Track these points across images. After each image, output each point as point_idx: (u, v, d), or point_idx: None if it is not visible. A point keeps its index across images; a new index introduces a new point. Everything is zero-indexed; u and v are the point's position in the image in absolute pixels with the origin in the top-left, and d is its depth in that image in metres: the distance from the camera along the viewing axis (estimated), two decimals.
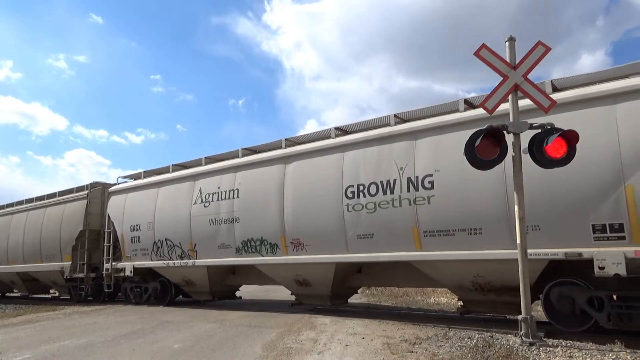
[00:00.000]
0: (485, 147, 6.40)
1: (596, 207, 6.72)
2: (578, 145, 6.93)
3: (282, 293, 13.79)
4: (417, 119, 8.98)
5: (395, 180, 8.58)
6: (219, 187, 11.52)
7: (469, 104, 8.48)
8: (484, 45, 6.77)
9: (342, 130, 10.09)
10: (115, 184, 15.24)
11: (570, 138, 6.21)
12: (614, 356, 5.47)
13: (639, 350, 5.62)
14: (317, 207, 9.60)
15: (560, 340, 6.39)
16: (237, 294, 13.76)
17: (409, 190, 8.38)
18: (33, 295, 19.67)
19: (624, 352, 5.59)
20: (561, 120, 7.16)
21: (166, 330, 8.67)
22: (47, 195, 17.57)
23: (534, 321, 6.33)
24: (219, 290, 12.78)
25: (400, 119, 9.22)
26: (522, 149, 6.57)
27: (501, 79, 6.70)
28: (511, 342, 6.29)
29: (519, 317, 6.42)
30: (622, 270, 6.49)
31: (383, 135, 9.04)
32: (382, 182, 8.75)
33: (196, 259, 11.86)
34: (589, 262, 6.71)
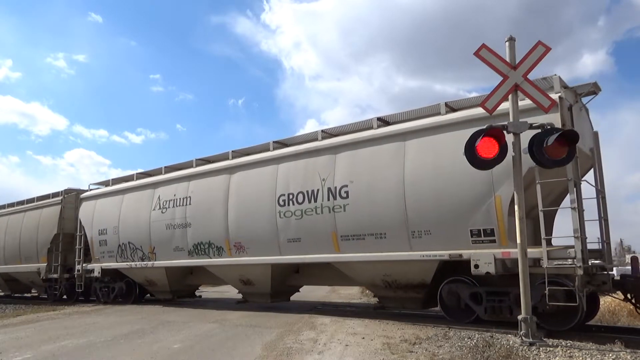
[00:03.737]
0: (485, 147, 6.42)
1: (473, 214, 7.77)
2: (462, 160, 7.98)
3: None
4: (340, 134, 10.01)
5: (318, 190, 9.61)
6: (174, 195, 12.55)
7: (383, 121, 9.51)
8: (484, 45, 6.81)
9: (281, 143, 11.10)
10: (87, 190, 16.25)
11: (571, 138, 6.22)
12: (614, 356, 5.49)
13: (639, 350, 5.72)
14: (255, 213, 10.63)
15: (560, 340, 6.45)
16: (198, 292, 14.80)
17: (329, 199, 9.41)
18: (15, 295, 20.69)
19: (624, 352, 5.64)
20: (450, 138, 8.25)
21: (166, 330, 8.69)
22: (27, 200, 18.61)
23: (534, 321, 6.35)
24: (179, 290, 13.85)
25: (328, 133, 10.24)
26: (522, 148, 6.63)
27: (501, 78, 6.73)
28: (511, 342, 6.30)
29: (519, 317, 6.43)
30: (492, 269, 7.54)
31: (310, 149, 10.07)
32: (307, 192, 9.77)
33: (155, 260, 12.90)
34: None
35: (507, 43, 6.87)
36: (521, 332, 6.36)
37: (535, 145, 6.30)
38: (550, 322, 7.44)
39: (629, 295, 7.59)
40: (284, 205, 10.11)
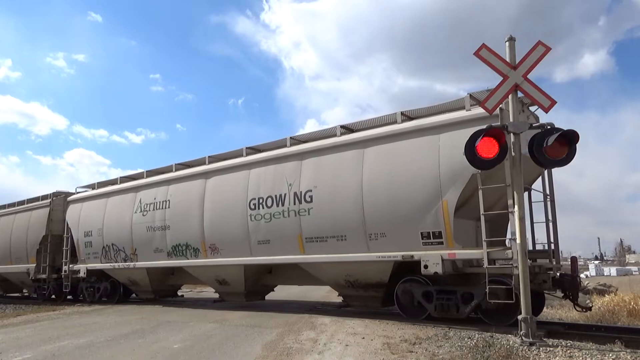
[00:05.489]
0: (485, 147, 6.43)
1: (423, 218, 8.27)
2: (414, 166, 8.52)
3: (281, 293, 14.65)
4: (307, 141, 10.51)
5: (285, 195, 10.12)
6: (155, 198, 13.06)
7: (347, 129, 10.01)
8: (484, 45, 6.83)
9: (254, 149, 11.61)
10: (75, 193, 16.76)
11: (571, 138, 6.22)
12: (614, 356, 5.53)
13: (639, 350, 5.80)
14: (228, 216, 11.14)
15: (560, 340, 6.49)
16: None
17: (295, 203, 9.92)
18: (7, 295, 21.22)
19: (624, 352, 5.69)
20: (404, 145, 8.76)
21: (166, 330, 8.73)
22: (17, 202, 19.15)
23: (534, 321, 6.40)
24: (161, 290, 14.39)
25: (296, 140, 10.75)
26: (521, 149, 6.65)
27: (501, 78, 6.75)
28: (511, 342, 6.34)
29: (519, 317, 6.48)
30: (439, 269, 8.05)
31: (279, 155, 10.58)
32: (276, 196, 10.28)
33: (137, 261, 13.41)
34: None
35: (507, 43, 6.92)
36: (521, 332, 6.43)
37: (535, 146, 6.34)
38: (494, 319, 7.95)
39: (567, 293, 8.08)
40: (255, 208, 10.61)
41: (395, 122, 9.13)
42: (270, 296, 13.01)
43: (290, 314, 10.40)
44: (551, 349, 6.00)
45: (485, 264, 7.55)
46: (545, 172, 9.15)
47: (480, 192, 7.68)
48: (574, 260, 8.51)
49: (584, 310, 8.08)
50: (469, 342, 6.58)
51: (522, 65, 6.69)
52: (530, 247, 9.33)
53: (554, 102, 6.52)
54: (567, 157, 6.31)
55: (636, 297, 13.06)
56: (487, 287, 7.49)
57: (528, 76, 6.65)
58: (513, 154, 6.66)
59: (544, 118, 6.89)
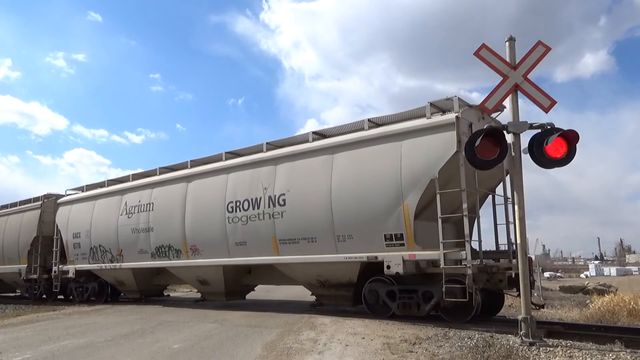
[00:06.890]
0: (486, 147, 6.41)
1: (387, 221, 8.68)
2: (378, 172, 8.93)
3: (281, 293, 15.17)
4: (283, 146, 10.93)
5: (260, 198, 10.54)
6: (139, 201, 13.47)
7: (319, 134, 10.42)
8: (484, 45, 6.83)
9: (233, 154, 12.02)
10: (64, 196, 17.19)
11: (571, 138, 6.24)
12: (614, 356, 5.53)
13: (639, 350, 5.81)
14: (208, 219, 11.56)
15: (560, 340, 6.49)
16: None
17: (269, 207, 10.34)
18: (1, 294, 21.65)
19: (624, 352, 5.69)
20: (369, 151, 9.17)
21: (166, 330, 8.76)
22: (10, 204, 19.59)
23: (534, 321, 6.40)
24: (147, 289, 14.83)
25: (272, 145, 11.16)
26: (522, 149, 6.66)
27: (501, 78, 6.75)
28: (511, 342, 6.35)
29: (519, 317, 6.52)
30: (400, 269, 8.47)
31: (255, 160, 11.00)
32: (252, 199, 10.70)
33: (123, 262, 13.84)
34: None
35: (507, 43, 6.93)
36: (521, 332, 6.44)
37: (535, 145, 6.37)
38: (452, 316, 8.36)
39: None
40: (232, 211, 11.03)
41: (362, 129, 9.54)
42: (270, 296, 13.33)
43: (290, 314, 10.45)
44: (551, 349, 6.02)
45: (442, 264, 7.97)
46: (507, 177, 9.58)
47: (437, 196, 8.09)
48: (529, 261, 8.90)
49: (537, 307, 8.49)
50: (469, 342, 6.61)
51: (522, 65, 6.72)
52: (494, 248, 9.81)
53: (553, 102, 6.55)
54: (567, 157, 6.35)
55: (636, 297, 13.18)
56: (444, 286, 7.91)
57: (528, 76, 6.70)
58: (513, 154, 6.68)
59: (544, 118, 6.94)
